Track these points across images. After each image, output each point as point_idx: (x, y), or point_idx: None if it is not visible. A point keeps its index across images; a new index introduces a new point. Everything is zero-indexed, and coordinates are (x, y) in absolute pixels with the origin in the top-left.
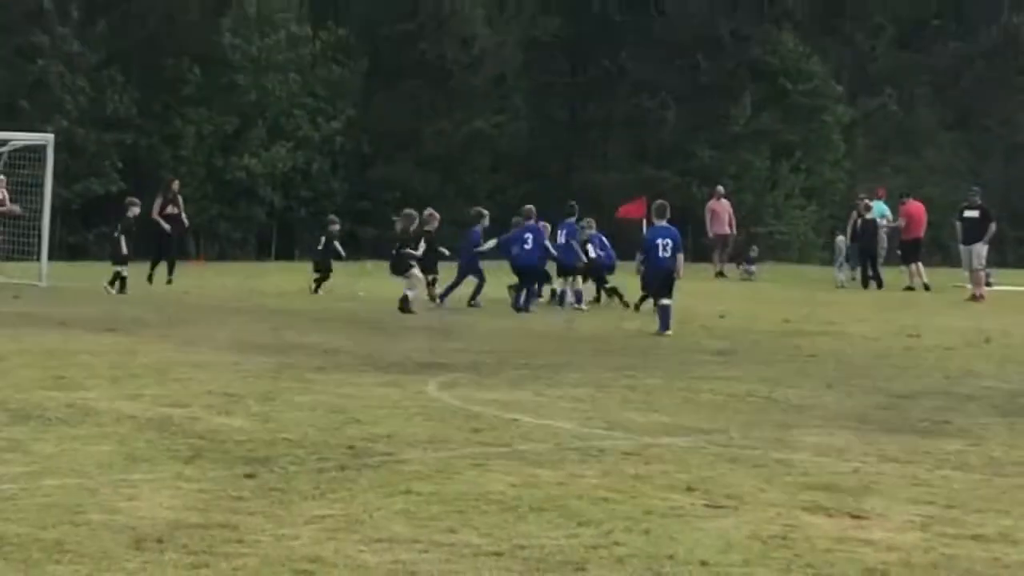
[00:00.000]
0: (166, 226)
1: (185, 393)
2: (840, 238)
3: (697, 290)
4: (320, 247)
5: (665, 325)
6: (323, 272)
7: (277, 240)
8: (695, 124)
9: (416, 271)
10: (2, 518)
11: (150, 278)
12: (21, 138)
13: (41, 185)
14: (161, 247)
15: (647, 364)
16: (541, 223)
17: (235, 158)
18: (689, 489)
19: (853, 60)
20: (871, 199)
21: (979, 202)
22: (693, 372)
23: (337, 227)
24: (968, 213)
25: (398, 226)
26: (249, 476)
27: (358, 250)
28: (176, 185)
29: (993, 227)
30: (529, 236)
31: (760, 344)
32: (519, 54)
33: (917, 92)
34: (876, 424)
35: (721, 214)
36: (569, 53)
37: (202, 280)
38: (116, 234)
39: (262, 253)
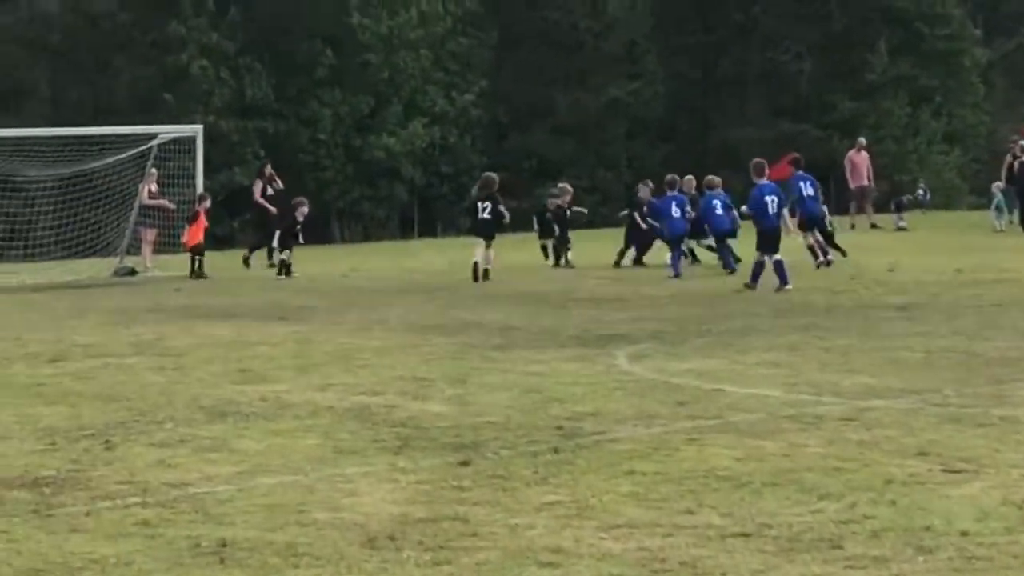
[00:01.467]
0: (272, 208)
1: (375, 380)
2: (996, 184)
3: (855, 243)
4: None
5: (784, 279)
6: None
7: (419, 217)
8: (831, 75)
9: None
10: (227, 522)
11: (246, 261)
12: (170, 131)
13: (190, 177)
14: (266, 230)
15: (831, 324)
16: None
17: (373, 137)
18: (921, 454)
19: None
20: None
21: None
22: (881, 329)
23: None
24: None
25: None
26: (464, 464)
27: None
28: (269, 168)
29: None
30: (717, 202)
31: (940, 296)
32: (649, 16)
33: None
34: None
35: (860, 166)
36: (699, 10)
37: (356, 262)
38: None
39: (405, 231)
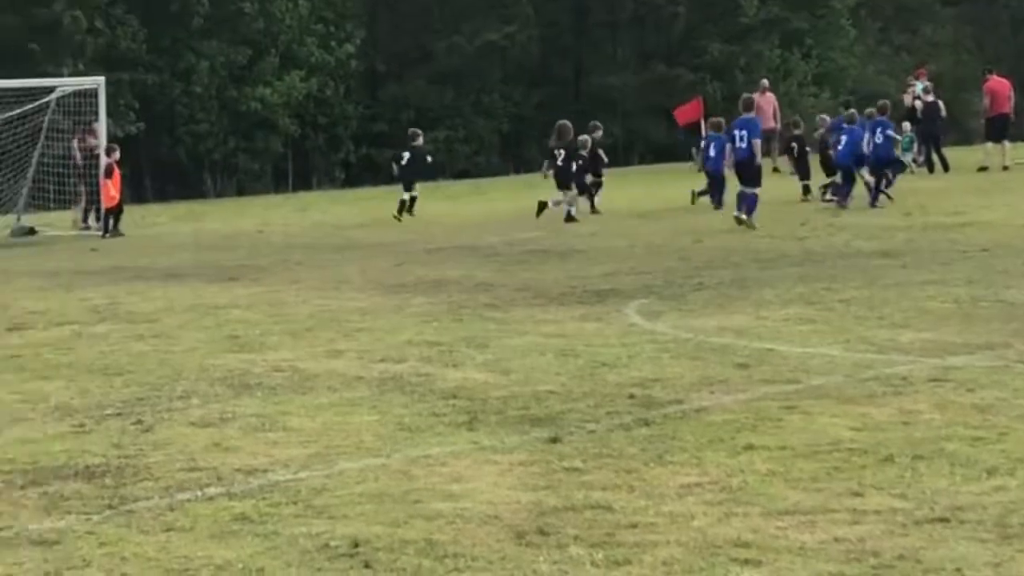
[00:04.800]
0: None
1: (385, 345)
2: (906, 124)
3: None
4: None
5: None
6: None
7: (293, 169)
8: (704, 18)
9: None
10: (339, 516)
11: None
12: (71, 83)
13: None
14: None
15: (825, 272)
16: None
17: (248, 89)
18: None
19: None
20: (916, 80)
21: None
22: (886, 278)
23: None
24: None
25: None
26: (554, 440)
27: (376, 173)
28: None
29: None
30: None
31: (914, 242)
32: None
33: None
34: None
35: (766, 108)
36: None
37: (260, 217)
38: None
39: (279, 184)
